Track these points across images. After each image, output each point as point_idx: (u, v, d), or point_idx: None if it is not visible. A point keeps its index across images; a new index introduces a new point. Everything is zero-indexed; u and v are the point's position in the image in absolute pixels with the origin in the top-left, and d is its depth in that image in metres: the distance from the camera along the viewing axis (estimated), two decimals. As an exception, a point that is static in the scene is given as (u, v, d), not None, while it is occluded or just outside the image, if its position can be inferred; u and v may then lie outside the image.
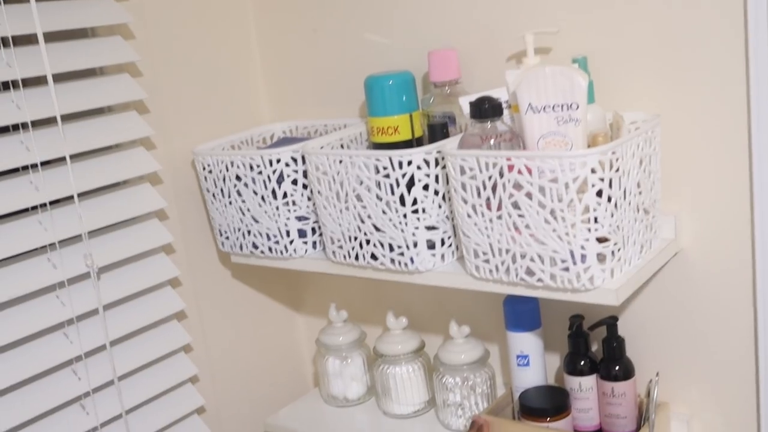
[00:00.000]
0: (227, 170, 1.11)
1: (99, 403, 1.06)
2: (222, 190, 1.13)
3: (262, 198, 1.09)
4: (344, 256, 1.04)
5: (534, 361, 1.07)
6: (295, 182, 1.07)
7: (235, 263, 1.23)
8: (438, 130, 1.01)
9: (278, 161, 1.06)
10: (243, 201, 1.11)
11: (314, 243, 1.11)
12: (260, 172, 1.07)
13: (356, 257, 1.03)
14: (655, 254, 0.93)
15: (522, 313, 1.07)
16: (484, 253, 0.90)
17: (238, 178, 1.10)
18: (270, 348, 1.36)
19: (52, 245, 1.01)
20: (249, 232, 1.13)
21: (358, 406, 1.27)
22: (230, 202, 1.13)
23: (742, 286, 0.95)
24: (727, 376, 0.99)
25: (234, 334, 1.30)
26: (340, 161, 0.99)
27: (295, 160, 1.06)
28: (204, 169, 1.14)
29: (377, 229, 0.99)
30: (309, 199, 1.08)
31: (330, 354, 1.26)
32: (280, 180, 1.07)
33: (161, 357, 1.14)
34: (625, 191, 0.85)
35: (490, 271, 0.91)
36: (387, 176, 0.95)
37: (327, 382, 1.28)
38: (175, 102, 1.18)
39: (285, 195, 1.07)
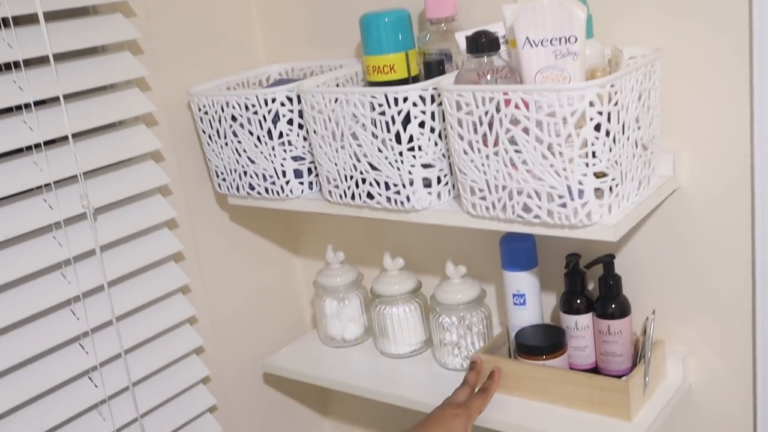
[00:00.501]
0: (223, 111, 1.08)
1: (97, 342, 1.05)
2: (218, 131, 1.11)
3: (258, 138, 1.06)
4: (340, 196, 1.02)
5: (530, 300, 1.06)
6: (290, 122, 1.04)
7: (233, 205, 1.21)
8: (434, 68, 0.98)
9: (273, 101, 1.03)
10: (239, 142, 1.09)
11: (310, 183, 1.09)
12: (256, 113, 1.04)
13: (352, 197, 1.01)
14: (653, 191, 0.90)
15: (518, 252, 1.05)
16: (481, 190, 0.88)
17: (233, 118, 1.07)
18: (268, 290, 1.35)
19: (47, 186, 0.99)
20: (245, 173, 1.11)
21: (355, 347, 1.26)
22: (226, 144, 1.10)
23: (740, 224, 0.93)
24: (724, 314, 0.98)
25: (232, 276, 1.28)
26: (336, 100, 0.96)
27: (290, 100, 1.04)
28: (200, 110, 1.12)
29: (373, 167, 0.97)
30: (305, 139, 1.06)
31: (327, 295, 1.25)
32: (275, 120, 1.04)
33: (159, 298, 1.12)
34: (623, 126, 0.82)
35: (487, 208, 0.89)
36: (383, 113, 0.92)
37: (324, 323, 1.27)
38: (169, 43, 1.15)
39: (281, 135, 1.05)
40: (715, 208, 0.94)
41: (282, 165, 1.06)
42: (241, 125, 1.07)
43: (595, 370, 1.03)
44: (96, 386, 1.05)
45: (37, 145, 0.98)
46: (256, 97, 1.03)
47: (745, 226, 0.93)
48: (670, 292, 1.01)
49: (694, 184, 0.95)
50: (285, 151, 1.06)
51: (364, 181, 0.98)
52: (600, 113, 0.79)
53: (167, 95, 1.15)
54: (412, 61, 1.02)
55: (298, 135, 1.05)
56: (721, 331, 0.99)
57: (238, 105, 1.06)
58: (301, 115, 1.04)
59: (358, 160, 0.97)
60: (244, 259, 1.30)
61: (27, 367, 0.99)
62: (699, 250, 0.97)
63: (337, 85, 1.08)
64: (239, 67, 1.24)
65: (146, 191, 1.11)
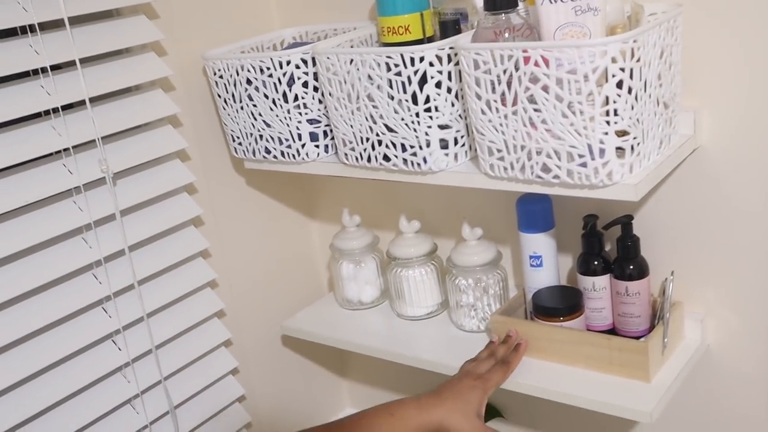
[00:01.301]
0: (237, 74, 1.05)
1: (120, 305, 1.03)
2: (233, 95, 1.08)
3: (273, 102, 1.03)
4: (356, 158, 0.99)
5: (547, 262, 1.03)
6: (305, 84, 1.01)
7: (249, 169, 1.18)
8: (450, 27, 0.94)
9: (288, 63, 1.00)
10: (254, 105, 1.06)
11: (326, 146, 1.06)
12: (270, 75, 1.01)
13: (368, 159, 0.98)
14: (674, 150, 0.87)
15: (535, 213, 1.02)
16: (499, 151, 0.85)
17: (248, 82, 1.04)
18: (285, 254, 1.33)
19: (66, 151, 0.97)
20: (261, 137, 1.08)
21: (372, 309, 1.24)
22: (242, 107, 1.07)
23: (761, 184, 0.90)
24: (743, 274, 0.95)
25: (249, 240, 1.26)
26: (351, 61, 0.92)
27: (305, 62, 1.00)
28: (215, 74, 1.09)
29: (389, 129, 0.93)
30: (320, 101, 1.02)
31: (344, 258, 1.23)
32: (290, 83, 1.01)
33: (180, 262, 1.10)
34: (645, 83, 0.78)
35: (505, 169, 0.86)
36: (399, 74, 0.89)
37: (341, 286, 1.25)
38: (184, 7, 1.11)
39: (296, 98, 1.02)
40: (736, 167, 0.91)
41: (297, 128, 1.03)
42: (256, 88, 1.04)
43: (613, 331, 1.00)
44: (120, 349, 1.04)
45: (55, 110, 0.96)
46: (271, 59, 1.00)
47: (765, 186, 0.89)
48: (688, 253, 0.98)
49: (715, 144, 0.91)
50: (300, 114, 1.03)
51: (380, 143, 0.95)
52: (622, 70, 0.75)
53: (183, 59, 1.12)
54: (427, 21, 0.98)
55: (313, 98, 1.02)
56: (740, 291, 0.96)
57: (253, 68, 1.02)
58: (316, 77, 1.01)
59: (374, 122, 0.94)
60: (261, 223, 1.28)
61: (50, 331, 0.98)
62: (718, 211, 0.94)
63: (352, 47, 1.04)
64: (253, 31, 1.20)
65: (164, 156, 1.08)
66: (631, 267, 0.97)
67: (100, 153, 0.98)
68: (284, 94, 1.02)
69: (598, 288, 0.99)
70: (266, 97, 1.03)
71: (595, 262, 0.99)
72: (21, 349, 0.95)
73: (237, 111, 1.09)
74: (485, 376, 0.95)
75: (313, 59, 0.99)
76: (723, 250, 0.95)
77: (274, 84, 1.01)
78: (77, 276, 1.00)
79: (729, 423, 1.03)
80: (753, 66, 0.85)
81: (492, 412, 1.27)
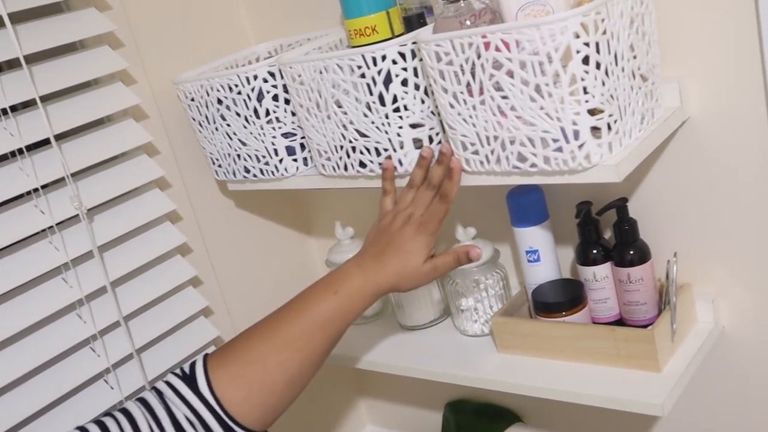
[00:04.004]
0: (208, 95, 1.03)
1: (109, 344, 1.02)
2: (206, 117, 1.06)
3: (246, 119, 1.01)
4: (333, 168, 0.97)
5: (544, 256, 1.00)
6: (276, 98, 0.99)
7: (238, 191, 1.16)
8: (415, 22, 0.92)
9: (255, 78, 0.98)
10: (228, 125, 1.04)
11: (305, 159, 1.04)
12: (239, 92, 1.00)
13: (345, 167, 0.95)
14: (659, 124, 0.83)
15: (526, 206, 0.99)
16: (472, 144, 0.82)
17: (219, 101, 1.03)
18: (285, 274, 1.31)
19: (36, 191, 0.96)
20: (239, 156, 1.06)
21: (374, 323, 1.22)
22: (216, 128, 1.06)
23: (759, 151, 0.85)
24: (752, 248, 0.90)
25: (246, 263, 1.24)
26: (318, 69, 0.90)
27: (272, 75, 0.98)
28: (186, 97, 1.07)
29: (361, 134, 0.91)
30: (293, 114, 1.01)
31: (342, 273, 1.20)
32: (260, 97, 0.99)
33: (168, 293, 1.09)
34: (616, 56, 0.75)
35: (481, 162, 0.83)
36: (362, 76, 0.87)
37: (342, 302, 1.22)
38: (150, 32, 1.10)
39: (267, 113, 1.00)
40: (730, 136, 0.86)
41: (273, 143, 1.02)
42: (228, 107, 1.02)
43: (621, 322, 0.96)
44: (112, 388, 1.03)
45: (20, 151, 0.95)
46: (237, 76, 0.99)
47: (763, 152, 0.85)
48: (691, 232, 0.94)
49: (705, 113, 0.87)
50: (274, 128, 1.01)
51: (354, 149, 0.93)
52: (587, 44, 0.72)
53: (156, 85, 1.11)
54: (395, 19, 0.95)
55: (285, 111, 1.00)
56: (751, 266, 0.91)
57: (222, 87, 1.01)
58: (285, 89, 0.99)
59: (346, 129, 0.92)
60: (256, 245, 1.26)
61: (35, 377, 0.97)
62: (717, 184, 0.89)
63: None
64: (228, 49, 1.19)
65: (143, 186, 1.07)
66: (631, 252, 0.93)
67: (70, 190, 0.97)
68: (255, 110, 1.00)
69: (599, 278, 0.95)
70: (238, 115, 1.02)
71: (594, 251, 0.95)
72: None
73: (212, 132, 1.07)
74: (425, 218, 0.86)
75: (282, 71, 0.97)
76: (727, 224, 0.91)
77: (244, 101, 1.00)
78: (60, 317, 0.99)
79: (750, 410, 0.98)
80: (738, 26, 0.81)
81: (510, 418, 1.23)
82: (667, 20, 0.84)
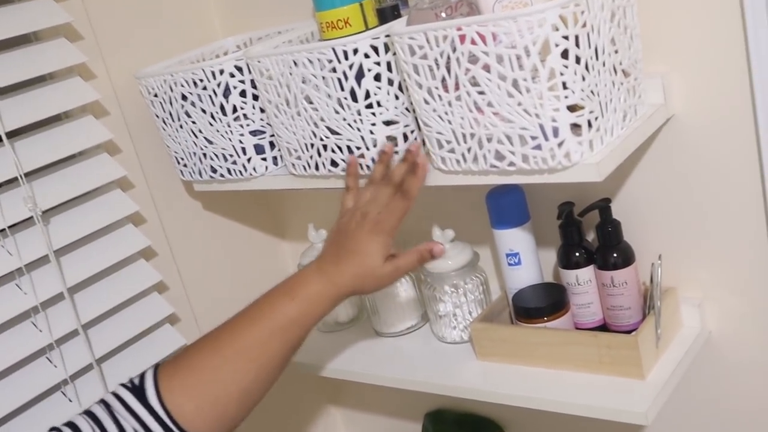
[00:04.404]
0: (171, 90, 1.01)
1: (66, 354, 0.99)
2: (171, 114, 1.04)
3: (212, 116, 0.99)
4: (304, 168, 0.95)
5: (525, 259, 0.98)
6: (243, 93, 0.97)
7: (205, 192, 1.14)
8: (389, 14, 0.91)
9: (222, 72, 0.96)
10: (193, 122, 1.02)
11: (275, 158, 1.01)
12: (205, 88, 0.97)
13: (316, 167, 0.93)
14: (642, 122, 0.82)
15: (506, 206, 0.97)
16: (448, 142, 0.81)
17: (184, 97, 1.00)
18: (255, 279, 1.29)
19: (-12, 192, 0.94)
20: (205, 155, 1.04)
21: (350, 329, 1.20)
22: (181, 126, 1.04)
23: (745, 149, 0.85)
24: (739, 251, 0.89)
25: (213, 268, 1.22)
26: (285, 62, 0.88)
27: (240, 70, 0.96)
28: (149, 93, 1.05)
29: (333, 132, 0.89)
30: (261, 110, 0.98)
31: (314, 277, 1.18)
32: (226, 93, 0.97)
33: (130, 299, 1.06)
34: (596, 50, 0.74)
35: (457, 161, 0.81)
36: (333, 70, 0.85)
37: (316, 308, 1.20)
38: (112, 24, 1.08)
39: (235, 109, 0.98)
40: (716, 134, 0.86)
41: (241, 142, 0.99)
42: (193, 104, 1.00)
43: (604, 327, 0.95)
44: (70, 401, 1.00)
45: (-29, 150, 0.93)
46: (203, 70, 0.96)
47: (751, 151, 0.84)
48: (677, 234, 0.93)
49: (690, 110, 0.86)
50: (242, 126, 0.99)
51: (325, 147, 0.91)
52: (566, 38, 0.70)
53: (116, 80, 1.09)
54: (368, 11, 0.94)
55: (253, 107, 0.98)
56: (738, 269, 0.90)
57: (186, 82, 0.99)
58: (254, 85, 0.97)
59: (316, 126, 0.90)
60: (225, 248, 1.24)
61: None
62: (703, 184, 0.88)
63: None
64: (194, 42, 1.17)
65: (102, 186, 1.05)
66: (615, 255, 0.92)
67: (24, 191, 0.94)
68: (222, 107, 0.98)
69: (582, 281, 0.94)
70: (204, 111, 1.00)
71: (576, 254, 0.94)
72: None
73: (176, 130, 1.05)
74: (382, 217, 0.83)
75: (249, 65, 0.95)
76: (714, 226, 0.90)
77: (210, 97, 0.98)
78: (14, 326, 0.96)
79: (737, 417, 0.97)
80: (722, 20, 0.81)
81: (492, 428, 1.22)
82: (650, 14, 0.83)
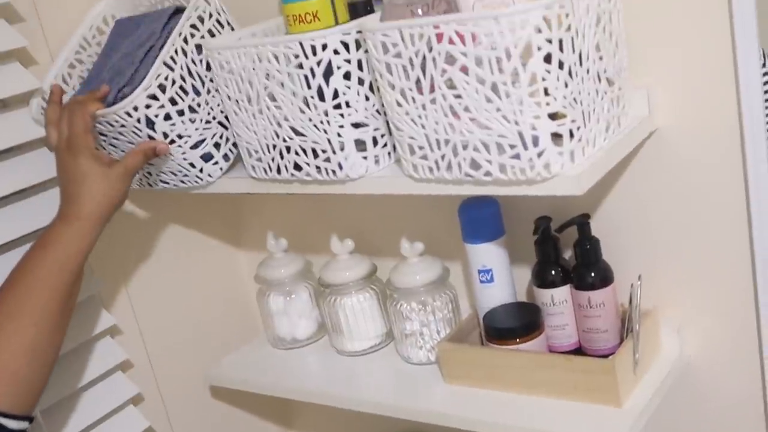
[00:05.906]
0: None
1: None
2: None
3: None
4: (264, 170, 0.95)
5: (499, 276, 0.99)
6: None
7: (148, 196, 1.13)
8: (361, 9, 0.92)
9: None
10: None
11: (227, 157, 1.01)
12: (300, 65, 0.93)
13: (278, 170, 0.93)
14: (625, 134, 0.83)
15: (480, 220, 0.99)
16: (421, 148, 0.81)
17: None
18: (208, 291, 1.28)
19: None
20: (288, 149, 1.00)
21: (309, 347, 1.20)
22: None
23: (731, 167, 0.87)
24: (721, 273, 0.91)
25: (161, 280, 1.20)
26: (246, 55, 0.88)
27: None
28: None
29: (297, 132, 0.89)
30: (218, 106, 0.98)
31: (272, 290, 1.18)
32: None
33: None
34: (580, 56, 0.75)
35: (430, 168, 0.82)
36: (300, 66, 0.85)
37: (272, 323, 1.20)
38: (53, 7, 1.07)
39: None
40: (701, 150, 0.88)
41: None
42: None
43: (580, 350, 0.96)
44: None
45: None
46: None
47: (736, 169, 0.86)
48: (658, 254, 0.94)
49: (675, 124, 0.88)
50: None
51: (288, 149, 0.91)
52: (549, 41, 0.72)
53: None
54: (339, 5, 0.94)
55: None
56: (720, 292, 0.92)
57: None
58: (212, 79, 0.97)
59: (280, 126, 0.90)
60: (176, 258, 1.23)
61: None
62: (686, 201, 0.90)
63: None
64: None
65: (40, 183, 1.03)
66: (593, 274, 0.93)
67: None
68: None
69: (557, 302, 0.95)
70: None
71: (552, 272, 0.96)
72: None
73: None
74: (71, 139, 0.91)
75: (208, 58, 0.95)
76: (696, 247, 0.92)
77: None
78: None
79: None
80: (710, 32, 0.83)
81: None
82: (636, 24, 0.85)
